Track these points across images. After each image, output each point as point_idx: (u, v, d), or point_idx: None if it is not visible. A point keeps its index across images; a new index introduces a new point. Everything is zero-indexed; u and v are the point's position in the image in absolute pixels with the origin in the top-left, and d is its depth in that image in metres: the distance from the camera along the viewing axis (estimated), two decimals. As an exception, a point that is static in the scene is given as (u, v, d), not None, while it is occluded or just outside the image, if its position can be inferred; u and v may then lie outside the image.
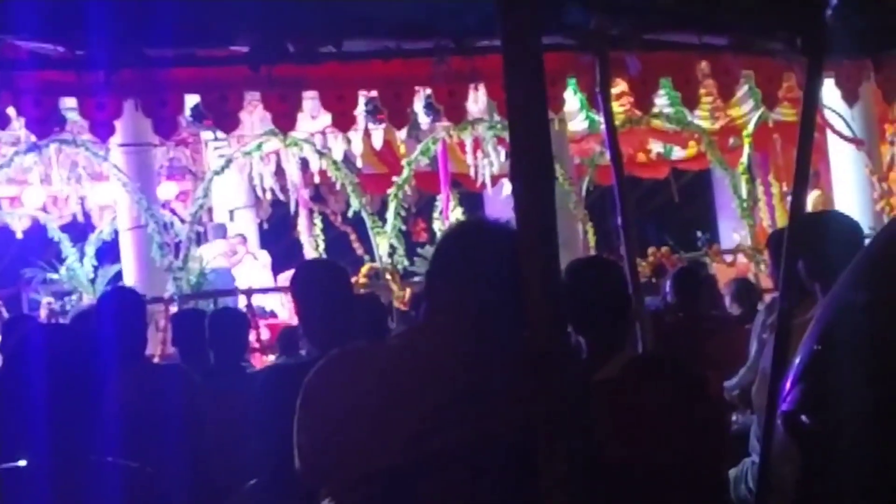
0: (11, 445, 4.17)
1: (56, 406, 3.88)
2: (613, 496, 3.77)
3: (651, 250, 16.29)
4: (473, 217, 3.52)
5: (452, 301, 3.21)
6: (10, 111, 10.43)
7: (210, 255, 16.60)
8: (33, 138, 13.14)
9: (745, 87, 15.08)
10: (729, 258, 17.65)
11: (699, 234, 18.41)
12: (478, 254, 3.22)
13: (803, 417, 4.06)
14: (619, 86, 13.56)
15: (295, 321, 12.02)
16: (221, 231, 18.58)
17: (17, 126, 13.77)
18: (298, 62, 8.80)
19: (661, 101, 15.43)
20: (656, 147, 20.27)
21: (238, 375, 6.88)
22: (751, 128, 17.61)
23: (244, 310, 12.50)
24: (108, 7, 8.32)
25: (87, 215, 19.31)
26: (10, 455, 3.97)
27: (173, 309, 13.05)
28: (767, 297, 11.70)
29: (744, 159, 17.63)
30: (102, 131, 10.82)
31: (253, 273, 17.77)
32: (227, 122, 11.23)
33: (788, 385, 3.52)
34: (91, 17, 8.14)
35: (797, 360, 3.31)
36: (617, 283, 4.71)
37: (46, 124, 10.61)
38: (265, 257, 18.92)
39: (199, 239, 16.59)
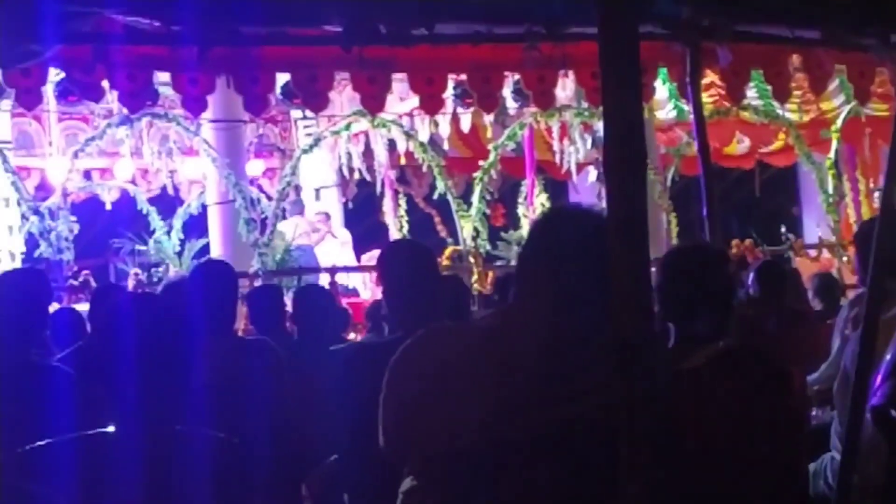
0: (101, 412, 4.26)
1: (144, 375, 3.94)
2: (692, 485, 3.78)
3: (734, 243, 16.20)
4: (565, 204, 3.52)
5: (541, 286, 3.23)
6: (104, 84, 10.54)
7: (287, 232, 16.69)
8: (126, 111, 13.27)
9: (836, 82, 14.95)
10: (813, 253, 17.52)
11: (783, 228, 18.30)
12: (568, 240, 3.23)
13: (893, 412, 4.06)
14: (709, 76, 13.51)
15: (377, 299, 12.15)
16: (299, 207, 18.66)
17: (110, 99, 13.93)
18: (390, 44, 8.87)
19: (750, 94, 15.33)
20: (744, 139, 20.12)
21: (322, 352, 6.93)
22: (840, 122, 17.46)
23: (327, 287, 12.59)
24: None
25: (175, 189, 19.46)
26: (99, 421, 4.05)
27: (257, 283, 13.16)
28: (850, 293, 11.63)
29: (831, 154, 17.49)
30: (194, 106, 10.91)
31: (332, 251, 17.85)
32: (316, 101, 11.30)
33: (878, 380, 3.52)
34: (187, -2, 8.26)
35: (888, 356, 3.29)
36: (719, 274, 4.56)
37: (139, 98, 10.73)
38: (345, 236, 18.98)
39: (284, 216, 16.68)
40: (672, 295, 4.38)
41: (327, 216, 18.83)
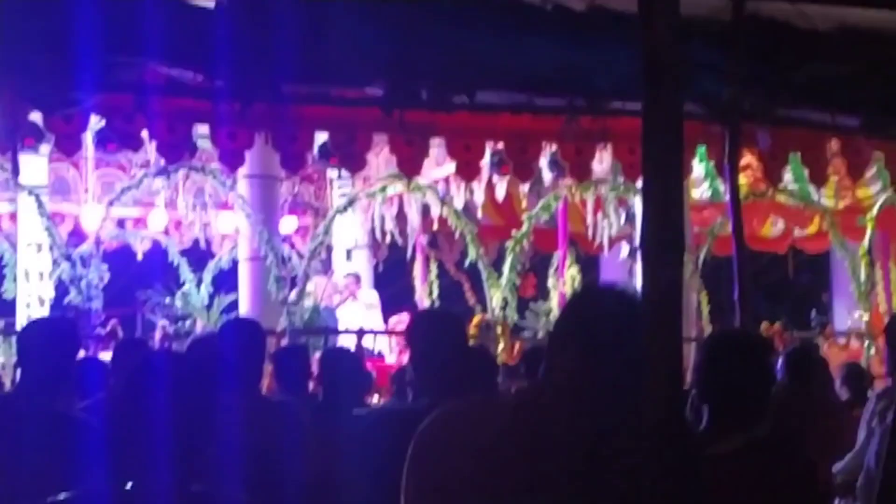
0: (122, 466, 4.23)
1: (166, 432, 3.91)
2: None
3: (764, 326, 16.10)
4: (598, 281, 3.50)
5: (572, 364, 3.20)
6: (144, 134, 10.59)
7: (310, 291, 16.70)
8: (163, 162, 13.33)
9: (874, 168, 14.90)
10: (842, 340, 17.40)
11: (814, 313, 18.20)
12: (601, 318, 3.20)
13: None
14: (746, 157, 13.48)
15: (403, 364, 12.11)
16: (325, 267, 18.64)
17: (149, 149, 13.99)
18: (431, 109, 8.91)
19: (786, 176, 15.30)
20: (778, 222, 20.07)
21: (345, 416, 6.90)
22: (875, 210, 17.38)
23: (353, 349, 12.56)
24: (247, 42, 8.48)
25: (208, 242, 19.51)
26: (120, 476, 4.02)
27: (284, 342, 13.15)
28: (878, 384, 11.53)
29: (865, 242, 17.41)
30: (232, 161, 10.96)
31: (354, 314, 17.80)
32: (353, 162, 11.34)
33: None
34: (231, 49, 8.32)
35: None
36: (760, 363, 4.51)
37: (178, 150, 10.78)
38: (372, 297, 18.89)
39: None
40: (711, 377, 4.35)
41: (357, 278, 18.81)
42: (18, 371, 6.13)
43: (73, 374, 5.85)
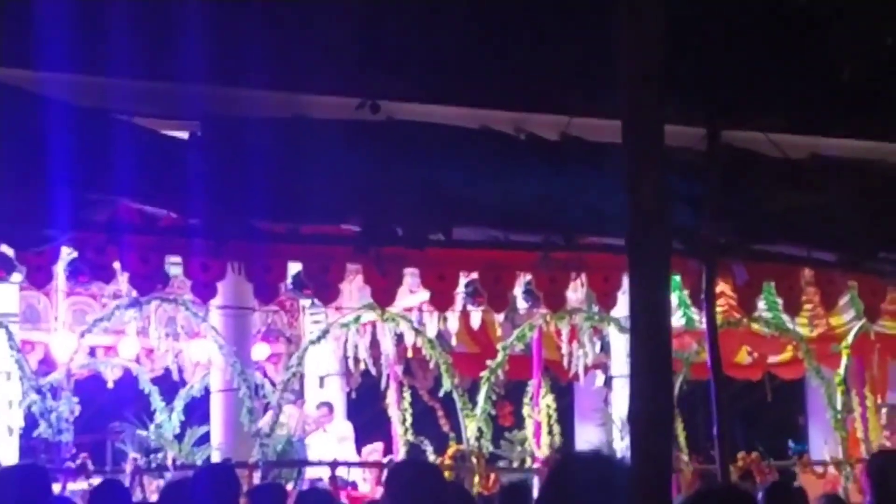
0: None
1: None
2: None
3: (740, 455, 16.01)
4: (579, 453, 3.44)
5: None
6: (116, 265, 10.53)
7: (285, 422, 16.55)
8: (135, 293, 13.24)
9: (847, 297, 14.91)
10: (820, 469, 17.28)
11: (791, 443, 18.12)
12: (585, 493, 3.13)
13: None
14: (720, 286, 13.49)
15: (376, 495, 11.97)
16: (295, 397, 18.47)
17: (120, 279, 13.92)
18: (406, 246, 8.88)
19: (760, 305, 15.29)
20: (753, 350, 20.04)
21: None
22: (850, 338, 17.36)
23: (327, 484, 12.41)
24: (221, 175, 8.47)
25: (180, 370, 19.35)
26: None
27: (257, 475, 13.01)
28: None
29: (840, 370, 17.36)
30: (204, 293, 10.89)
31: (327, 446, 17.63)
32: (327, 293, 11.30)
33: None
34: (204, 184, 8.29)
35: None
36: None
37: (150, 281, 10.73)
38: (344, 429, 18.75)
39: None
40: None
41: (330, 408, 18.68)
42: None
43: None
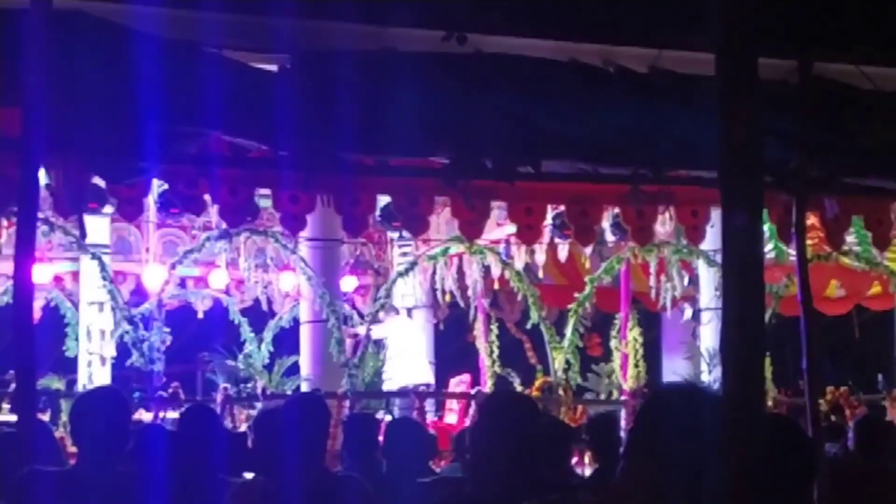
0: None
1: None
2: None
3: (829, 389, 15.93)
4: (680, 384, 3.41)
5: (649, 468, 3.14)
6: (206, 198, 10.58)
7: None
8: (225, 225, 13.34)
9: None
10: (908, 403, 17.17)
11: (880, 377, 17.97)
12: (678, 425, 3.14)
13: None
14: (808, 219, 13.35)
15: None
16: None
17: (211, 211, 14.01)
18: (496, 179, 8.86)
19: (849, 239, 15.14)
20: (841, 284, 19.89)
21: (409, 486, 6.87)
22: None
23: (416, 414, 12.51)
24: (310, 110, 8.48)
25: (269, 301, 19.51)
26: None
27: (346, 404, 13.15)
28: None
29: (930, 301, 17.22)
30: (293, 225, 10.91)
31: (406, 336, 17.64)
32: (415, 225, 11.28)
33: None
34: (293, 118, 8.30)
35: None
36: (798, 455, 3.88)
37: (240, 214, 10.75)
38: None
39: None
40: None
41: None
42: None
43: (126, 439, 5.90)
